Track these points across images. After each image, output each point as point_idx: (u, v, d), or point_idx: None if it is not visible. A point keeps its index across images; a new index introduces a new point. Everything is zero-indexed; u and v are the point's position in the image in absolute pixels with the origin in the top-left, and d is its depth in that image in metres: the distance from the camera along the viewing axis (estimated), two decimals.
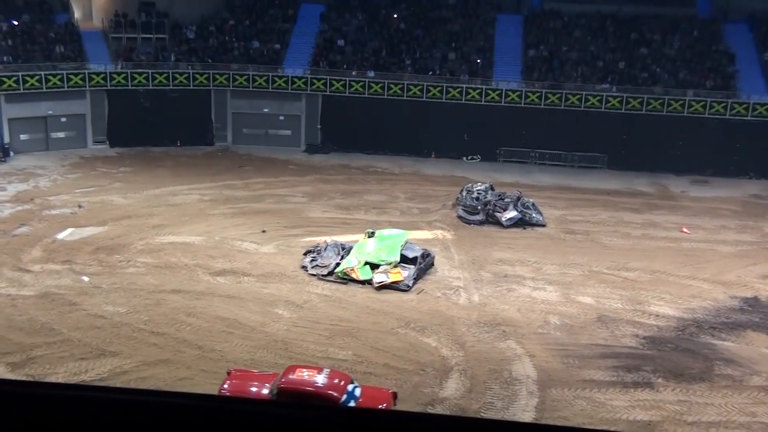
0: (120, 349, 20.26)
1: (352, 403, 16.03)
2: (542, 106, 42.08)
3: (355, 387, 16.75)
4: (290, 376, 16.44)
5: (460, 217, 32.47)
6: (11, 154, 39.06)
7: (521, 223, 31.90)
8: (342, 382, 16.55)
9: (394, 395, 17.31)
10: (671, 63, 43.50)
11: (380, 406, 16.34)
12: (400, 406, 17.92)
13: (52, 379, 18.43)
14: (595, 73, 43.24)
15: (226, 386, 16.95)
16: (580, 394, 19.16)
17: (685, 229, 32.55)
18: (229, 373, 17.64)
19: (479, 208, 32.36)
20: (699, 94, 41.68)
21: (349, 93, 43.08)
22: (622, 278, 26.99)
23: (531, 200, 33.31)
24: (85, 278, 24.76)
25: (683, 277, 27.23)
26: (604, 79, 42.83)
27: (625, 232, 32.14)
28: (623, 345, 21.90)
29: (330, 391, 16.06)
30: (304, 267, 26.36)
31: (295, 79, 43.40)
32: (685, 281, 26.91)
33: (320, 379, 16.40)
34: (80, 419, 2.55)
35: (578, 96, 41.91)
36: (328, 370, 17.13)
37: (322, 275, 25.70)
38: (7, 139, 39.19)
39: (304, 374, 16.58)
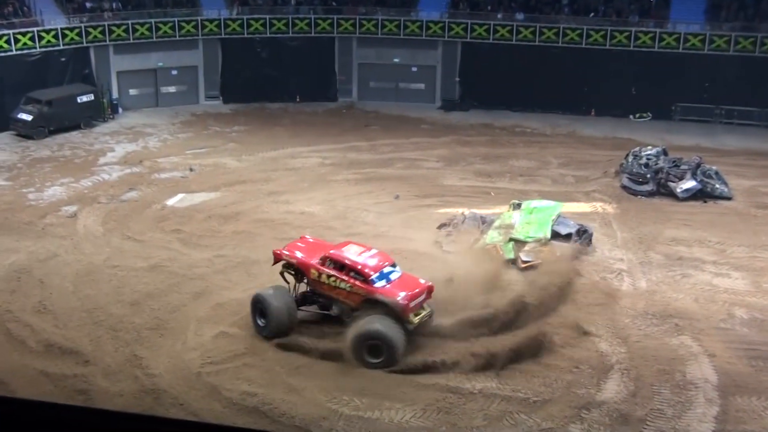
0: None
1: (382, 282, 19.84)
2: (731, 53, 40.05)
3: (393, 271, 20.24)
4: (341, 249, 20.85)
5: (624, 187, 31.55)
6: (120, 110, 41.25)
7: (701, 195, 30.71)
8: (384, 263, 20.32)
9: (430, 289, 20.09)
10: None
11: (409, 293, 19.61)
12: (549, 407, 17.69)
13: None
14: None
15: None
16: None
17: None
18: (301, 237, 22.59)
19: (649, 176, 31.32)
20: None
21: (493, 39, 42.50)
22: None
23: (714, 168, 31.92)
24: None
25: None
26: None
27: None
28: None
29: (365, 268, 19.96)
30: (438, 243, 26.39)
31: (431, 24, 43.22)
32: None
33: (362, 257, 20.41)
34: None
35: None
36: (377, 250, 20.98)
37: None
38: (115, 94, 41.40)
39: (351, 249, 20.83)
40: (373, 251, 20.83)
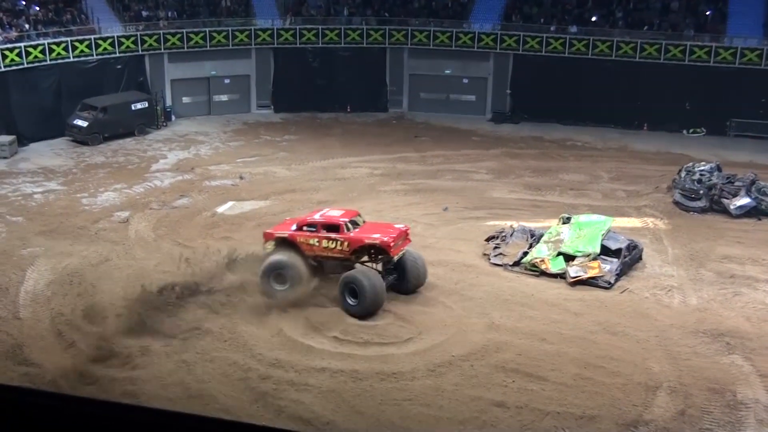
0: None
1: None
2: None
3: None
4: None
5: (677, 202, 31.22)
6: (173, 118, 41.99)
7: (755, 212, 30.23)
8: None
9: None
10: None
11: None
12: (596, 424, 17.56)
13: None
14: None
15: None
16: None
17: None
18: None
19: (702, 192, 30.93)
20: None
21: (545, 52, 42.37)
22: None
23: None
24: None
25: None
26: None
27: None
28: None
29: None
30: (486, 255, 26.37)
31: (483, 36, 43.24)
32: None
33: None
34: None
35: None
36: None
37: (508, 266, 25.59)
38: (169, 101, 42.13)
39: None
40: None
